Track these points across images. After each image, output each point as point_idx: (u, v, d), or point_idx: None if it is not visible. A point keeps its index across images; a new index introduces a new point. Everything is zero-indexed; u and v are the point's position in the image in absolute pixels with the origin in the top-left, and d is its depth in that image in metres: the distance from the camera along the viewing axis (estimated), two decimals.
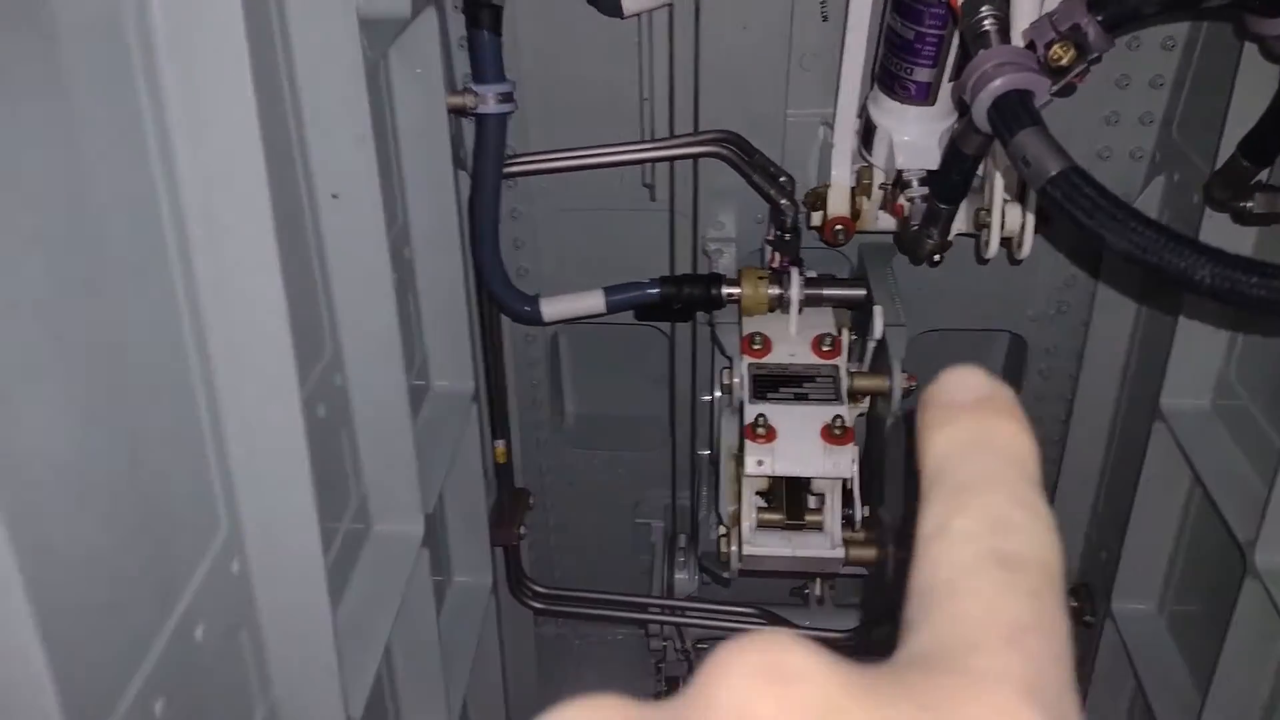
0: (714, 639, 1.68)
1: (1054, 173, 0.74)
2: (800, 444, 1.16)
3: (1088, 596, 1.48)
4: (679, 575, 1.60)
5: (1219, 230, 1.08)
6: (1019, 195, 1.15)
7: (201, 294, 0.74)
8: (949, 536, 0.21)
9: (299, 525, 0.81)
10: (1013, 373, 1.57)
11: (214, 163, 0.71)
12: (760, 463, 1.17)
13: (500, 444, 1.48)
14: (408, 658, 1.16)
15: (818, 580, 1.61)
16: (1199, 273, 0.67)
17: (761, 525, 1.22)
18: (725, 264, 1.40)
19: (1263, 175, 1.02)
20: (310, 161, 0.91)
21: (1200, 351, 1.19)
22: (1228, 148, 1.02)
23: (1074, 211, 0.72)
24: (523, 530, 1.54)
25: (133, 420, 0.67)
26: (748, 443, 1.17)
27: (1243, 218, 1.01)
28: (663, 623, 1.61)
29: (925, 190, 1.13)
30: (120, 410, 0.66)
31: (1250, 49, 1.01)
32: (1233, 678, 1.08)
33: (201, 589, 0.74)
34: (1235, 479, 1.11)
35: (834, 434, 1.17)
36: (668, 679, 1.72)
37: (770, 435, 1.17)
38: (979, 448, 0.23)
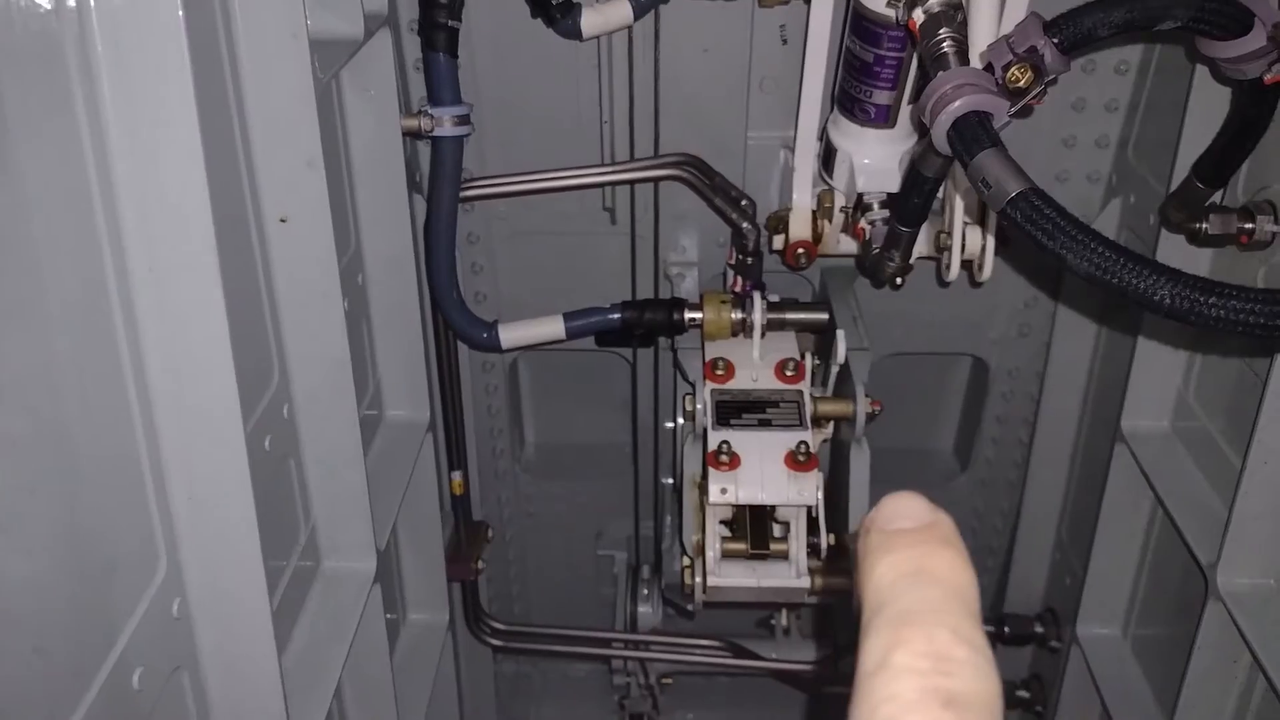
0: (679, 674, 1.65)
1: (1014, 194, 0.73)
2: (764, 471, 1.15)
3: (1053, 621, 1.48)
4: (642, 609, 1.57)
5: (1175, 251, 1.09)
6: (979, 218, 1.15)
7: (141, 322, 0.70)
8: (891, 671, 0.21)
9: (243, 564, 0.77)
10: (975, 396, 1.57)
11: (155, 187, 0.68)
12: (724, 491, 1.15)
13: (457, 475, 1.44)
14: (360, 700, 1.12)
15: (784, 610, 1.59)
16: (1159, 293, 0.67)
17: (726, 555, 1.20)
18: (687, 288, 1.38)
19: (1216, 197, 1.03)
20: (258, 185, 0.88)
21: (1159, 373, 1.20)
22: (1182, 169, 1.03)
23: (1034, 233, 0.72)
24: (481, 564, 1.50)
25: (67, 453, 0.63)
26: (711, 470, 1.15)
27: (1198, 239, 1.02)
28: (626, 658, 1.58)
29: (886, 213, 1.13)
30: (54, 443, 0.62)
31: (1202, 72, 1.03)
32: (1197, 701, 1.07)
33: (139, 631, 0.70)
34: (1196, 501, 1.11)
35: (798, 460, 1.15)
36: (631, 715, 1.68)
37: (734, 462, 1.15)
38: (920, 578, 0.23)
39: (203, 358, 0.73)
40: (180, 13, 0.65)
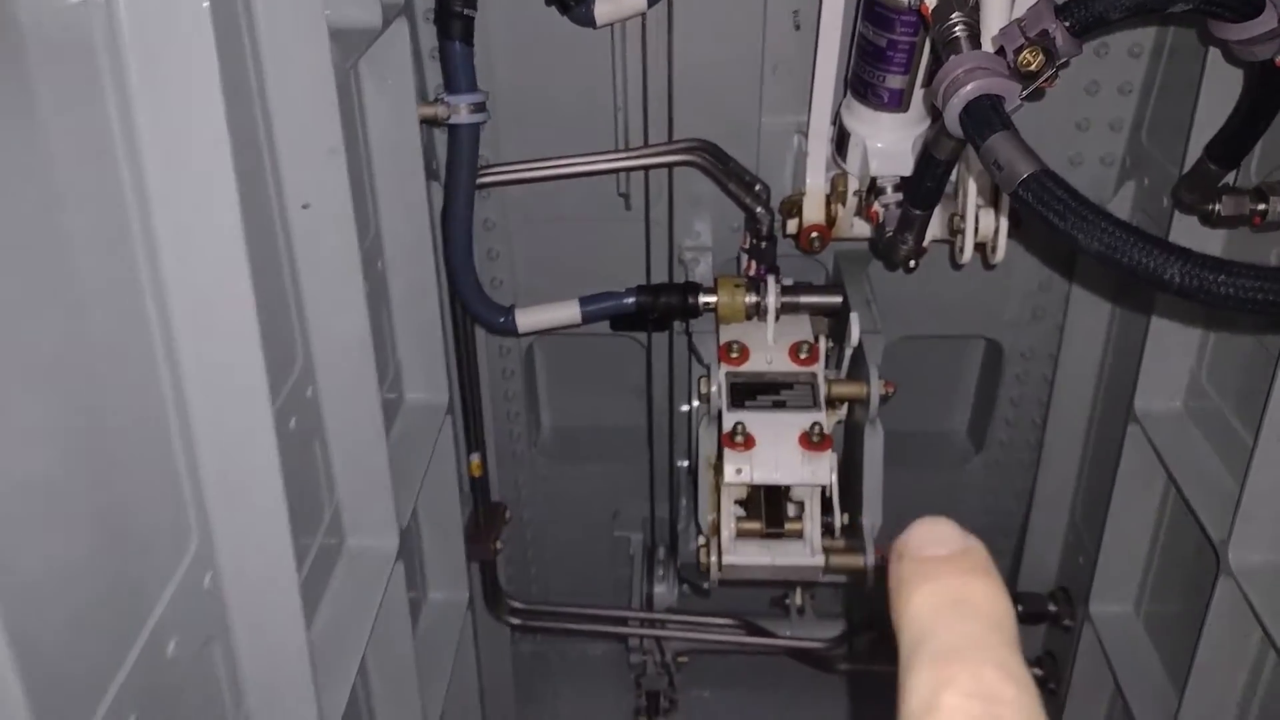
0: (694, 651, 1.67)
1: (1025, 175, 0.74)
2: (779, 451, 1.16)
3: (1066, 600, 1.49)
4: (658, 588, 1.59)
5: (1188, 233, 1.09)
6: (992, 200, 1.15)
7: (171, 306, 0.73)
8: (942, 713, 0.21)
9: (271, 539, 0.79)
10: (989, 378, 1.58)
11: (184, 175, 0.70)
12: (739, 471, 1.16)
13: (475, 457, 1.46)
14: (383, 675, 1.15)
15: (798, 589, 1.61)
16: (1168, 272, 0.68)
17: (741, 534, 1.22)
18: (701, 273, 1.40)
19: (1230, 179, 1.04)
20: (281, 173, 0.90)
21: (1172, 354, 1.20)
22: (1196, 152, 1.04)
23: (1045, 213, 0.73)
24: (499, 545, 1.53)
25: (102, 434, 0.66)
26: (726, 451, 1.17)
27: (1211, 220, 1.02)
28: (642, 636, 1.60)
29: (899, 196, 1.13)
30: (89, 424, 0.64)
31: (1215, 54, 1.03)
32: (1208, 676, 1.08)
33: (173, 603, 0.72)
34: (1208, 479, 1.12)
35: (812, 441, 1.16)
36: (648, 694, 1.71)
37: (749, 443, 1.17)
38: (960, 610, 0.23)
39: (231, 340, 0.75)
40: (206, 3, 0.67)
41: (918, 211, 1.08)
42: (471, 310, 1.34)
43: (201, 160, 0.70)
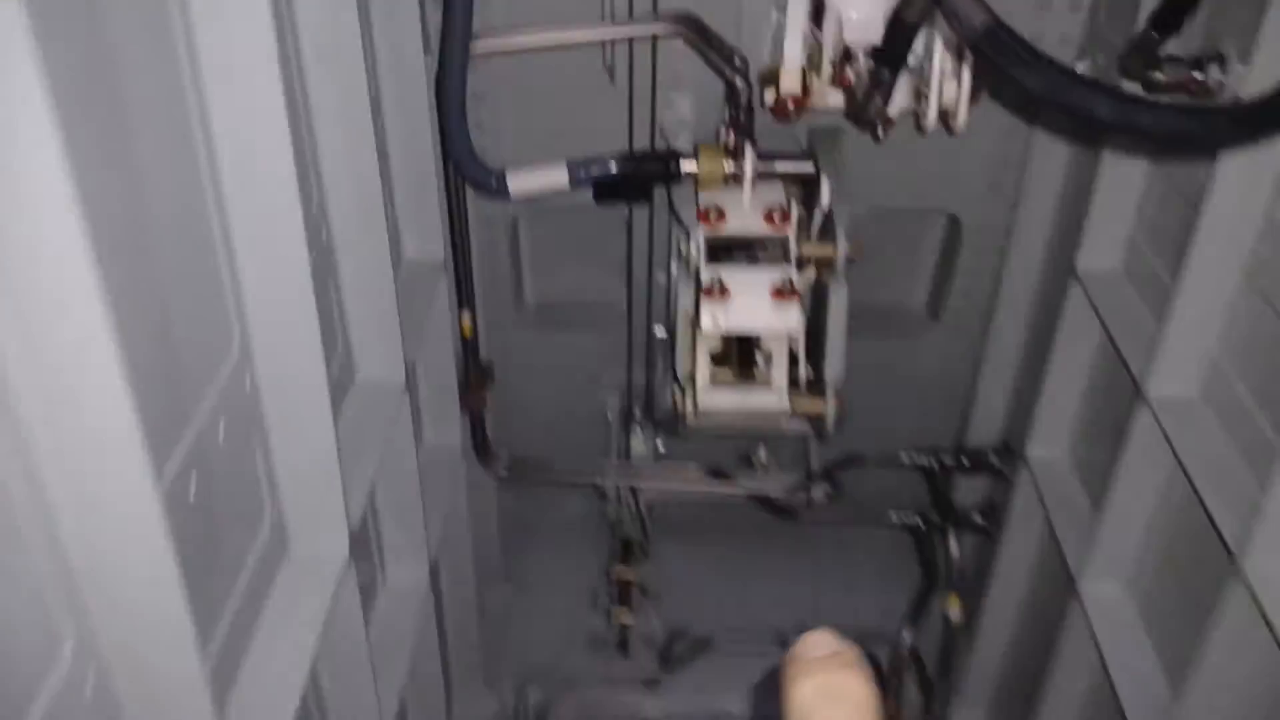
0: (667, 502, 1.80)
1: (980, 26, 0.83)
2: (751, 301, 1.26)
3: (1007, 454, 1.63)
4: (634, 441, 1.71)
5: None
6: (956, 70, 1.24)
7: (220, 157, 0.80)
8: None
9: (303, 346, 0.88)
10: (948, 252, 1.68)
11: (232, 52, 0.77)
12: (715, 320, 1.26)
13: (466, 316, 1.54)
14: (389, 496, 1.25)
15: (762, 447, 1.73)
16: (1099, 109, 0.77)
17: (715, 383, 1.33)
18: (682, 145, 1.47)
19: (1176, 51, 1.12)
20: (298, 29, 0.96)
21: (1114, 217, 1.31)
22: None
23: (997, 59, 0.82)
24: (488, 400, 1.62)
25: (164, 263, 0.73)
26: (703, 301, 1.27)
27: (1153, 88, 1.11)
28: (619, 485, 1.72)
29: (871, 63, 1.21)
30: (155, 257, 0.72)
31: None
32: (1124, 501, 1.22)
33: (221, 397, 0.81)
34: (1136, 327, 1.24)
35: (782, 292, 1.27)
36: (623, 541, 1.84)
37: (724, 294, 1.27)
38: (832, 698, 0.31)
39: (266, 171, 0.82)
40: None
41: (887, 72, 1.16)
42: (464, 172, 1.40)
43: (244, 32, 0.76)
